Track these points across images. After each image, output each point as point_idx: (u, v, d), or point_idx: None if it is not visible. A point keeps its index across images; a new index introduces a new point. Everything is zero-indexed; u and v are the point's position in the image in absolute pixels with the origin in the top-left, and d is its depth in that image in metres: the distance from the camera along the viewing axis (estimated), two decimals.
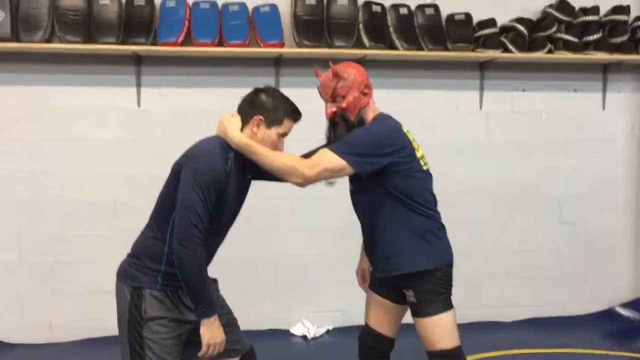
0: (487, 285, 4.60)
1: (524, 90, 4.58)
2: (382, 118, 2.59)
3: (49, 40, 3.97)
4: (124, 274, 2.40)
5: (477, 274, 4.52)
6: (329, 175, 2.45)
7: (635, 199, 4.77)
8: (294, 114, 2.43)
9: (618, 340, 4.45)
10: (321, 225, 4.43)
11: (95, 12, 4.01)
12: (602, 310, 4.78)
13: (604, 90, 4.67)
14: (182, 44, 4.04)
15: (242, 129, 2.40)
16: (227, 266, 4.21)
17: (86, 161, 4.18)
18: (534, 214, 4.67)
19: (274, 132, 2.39)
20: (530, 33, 4.35)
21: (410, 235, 2.50)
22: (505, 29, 4.35)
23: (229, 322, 2.46)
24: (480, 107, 4.54)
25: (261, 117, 2.37)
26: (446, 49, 4.26)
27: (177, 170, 2.33)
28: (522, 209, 4.64)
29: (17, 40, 3.91)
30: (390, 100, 4.39)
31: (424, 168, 2.57)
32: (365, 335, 2.75)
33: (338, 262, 4.44)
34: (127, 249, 4.19)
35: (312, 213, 4.40)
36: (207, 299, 2.27)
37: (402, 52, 4.20)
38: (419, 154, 2.56)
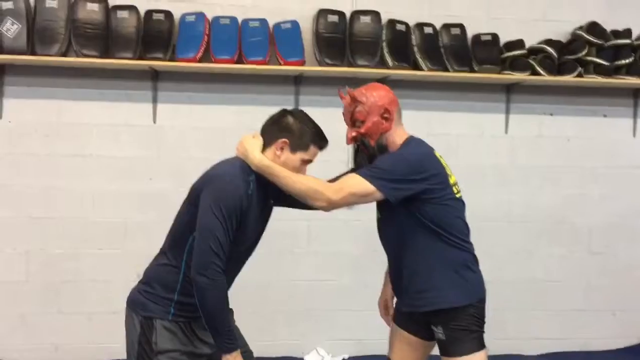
0: (511, 316, 4.40)
1: (551, 115, 4.43)
2: (414, 142, 2.45)
3: (65, 54, 3.88)
4: (134, 302, 2.26)
5: (501, 304, 4.29)
6: (355, 201, 2.30)
7: None
8: (321, 141, 2.31)
9: None
10: (338, 250, 4.28)
11: (113, 26, 3.92)
12: (630, 345, 4.56)
13: (635, 116, 4.50)
14: (201, 59, 3.93)
15: (263, 151, 2.27)
16: (238, 289, 4.10)
17: (99, 178, 4.07)
18: (561, 243, 4.48)
19: (298, 157, 2.27)
20: (559, 55, 4.20)
21: (442, 269, 2.34)
22: (533, 51, 4.21)
23: (246, 357, 2.31)
24: (506, 131, 4.38)
25: (286, 140, 2.25)
26: (472, 70, 4.12)
27: (195, 194, 2.20)
28: (548, 238, 4.46)
29: (33, 53, 3.83)
30: (414, 122, 4.24)
31: (457, 196, 2.42)
32: None
33: (355, 288, 4.30)
34: (138, 270, 4.15)
35: (329, 236, 4.25)
36: (228, 331, 2.13)
37: (426, 73, 4.07)
38: (452, 181, 2.41)
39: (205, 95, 4.12)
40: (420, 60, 4.07)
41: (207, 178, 2.22)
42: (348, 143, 2.48)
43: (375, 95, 2.42)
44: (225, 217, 2.09)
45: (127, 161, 4.10)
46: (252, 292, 4.07)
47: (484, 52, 4.16)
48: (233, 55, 3.92)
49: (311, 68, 4.00)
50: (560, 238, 4.48)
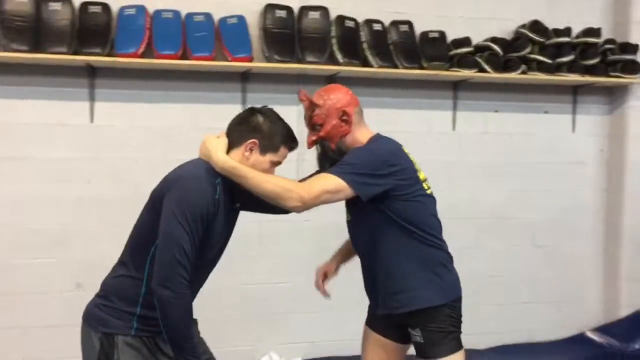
0: None
1: (497, 111, 4.48)
2: (382, 138, 2.39)
3: None
4: (92, 318, 2.08)
5: None
6: (328, 198, 2.20)
7: (604, 224, 4.72)
8: (292, 142, 2.20)
9: None
10: (289, 251, 4.17)
11: (45, 18, 3.65)
12: (572, 335, 4.70)
13: (574, 113, 4.62)
14: (142, 55, 3.72)
15: (228, 152, 2.14)
16: None
17: (33, 182, 3.78)
18: (506, 238, 4.54)
19: (267, 159, 2.15)
20: (504, 53, 4.25)
21: (417, 268, 2.29)
22: (480, 49, 4.23)
23: None
24: (454, 128, 4.40)
25: (255, 140, 2.12)
26: (421, 67, 4.10)
27: (157, 199, 2.04)
28: (493, 233, 4.52)
29: None
30: (365, 119, 4.25)
31: (428, 192, 2.37)
32: None
33: (306, 290, 4.18)
34: (78, 280, 3.90)
35: (280, 238, 4.14)
36: (191, 347, 1.98)
37: (376, 70, 4.01)
38: (421, 177, 2.36)
39: (147, 93, 3.90)
40: (369, 57, 4.01)
41: (169, 182, 2.06)
42: (308, 147, 2.42)
43: (332, 98, 2.35)
44: (191, 224, 1.95)
45: (62, 163, 3.83)
46: (204, 298, 3.88)
47: (432, 49, 4.14)
48: (177, 51, 3.73)
49: (259, 64, 3.86)
50: (505, 233, 4.54)
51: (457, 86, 4.35)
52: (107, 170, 3.87)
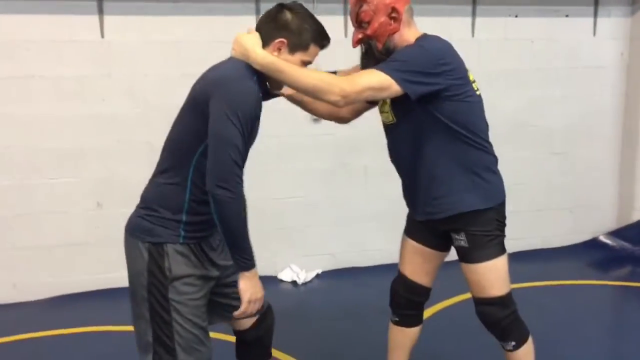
0: None
1: (516, 16, 4.34)
2: (432, 36, 2.24)
3: None
4: (137, 229, 2.02)
5: None
6: (371, 95, 2.10)
7: (622, 129, 4.69)
8: (323, 40, 2.06)
9: (602, 270, 4.48)
10: (307, 167, 4.14)
11: None
12: (585, 240, 4.77)
13: (595, 15, 4.48)
14: None
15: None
16: None
17: (44, 101, 3.70)
18: (525, 145, 4.52)
19: (297, 58, 2.03)
20: None
21: (464, 172, 2.22)
22: None
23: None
24: (473, 35, 4.28)
25: (284, 39, 2.00)
26: None
27: (201, 102, 1.93)
28: (513, 141, 4.47)
29: None
30: None
31: (477, 93, 2.27)
32: (400, 286, 2.48)
33: (325, 203, 4.22)
34: (97, 197, 3.89)
35: (298, 153, 4.10)
36: (248, 247, 1.96)
37: None
38: (471, 77, 2.26)
39: (158, 5, 3.75)
40: None
41: (214, 83, 1.95)
42: (354, 46, 2.28)
43: None
44: (242, 125, 1.88)
45: (74, 81, 3.73)
46: None
47: None
48: None
49: None
50: (524, 141, 4.51)
51: None
52: (121, 88, 3.77)
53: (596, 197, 4.75)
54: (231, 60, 2.04)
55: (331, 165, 4.20)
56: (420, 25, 4.05)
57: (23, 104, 3.67)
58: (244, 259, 1.95)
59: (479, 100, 2.26)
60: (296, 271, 4.17)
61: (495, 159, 2.32)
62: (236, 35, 2.03)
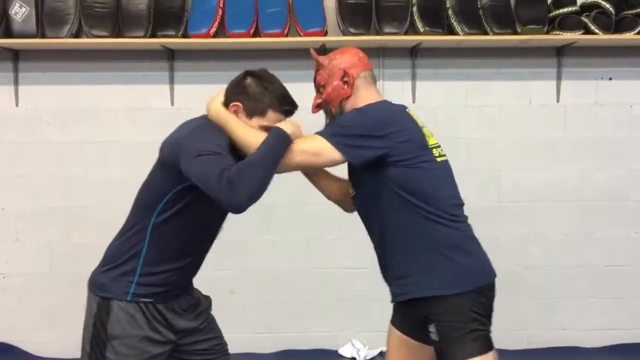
0: (566, 305, 4.00)
1: (610, 79, 3.94)
2: (381, 102, 2.15)
3: (76, 36, 3.73)
4: (93, 283, 2.09)
5: (552, 292, 3.97)
6: (304, 160, 2.01)
7: None
8: (281, 106, 2.04)
9: None
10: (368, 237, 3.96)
11: (124, 4, 3.73)
12: None
13: None
14: (215, 35, 3.68)
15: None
16: (263, 276, 3.91)
17: (118, 165, 3.91)
18: (624, 223, 4.00)
19: (254, 123, 2.03)
20: (617, 11, 3.72)
21: (426, 250, 1.99)
22: (586, 7, 3.74)
23: (219, 350, 2.16)
24: (558, 100, 3.93)
25: (239, 104, 2.03)
26: (515, 33, 3.69)
27: (169, 161, 1.99)
28: (608, 218, 3.99)
29: (43, 36, 3.70)
30: (450, 93, 3.92)
31: (439, 160, 2.05)
32: None
33: None
34: None
35: (360, 223, 3.93)
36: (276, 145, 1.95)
37: (462, 38, 3.66)
38: (430, 142, 2.06)
39: (223, 74, 3.80)
40: (455, 24, 3.67)
41: (178, 142, 1.99)
42: (313, 111, 2.22)
43: (338, 58, 2.16)
44: (213, 148, 1.90)
45: (146, 146, 3.88)
46: (281, 280, 3.88)
47: (529, 11, 3.71)
48: (248, 29, 3.65)
49: (334, 38, 3.67)
50: (622, 217, 4.00)
51: (560, 52, 3.87)
52: None
53: None
54: (194, 118, 2.14)
55: None
56: (495, 90, 3.87)
57: (99, 167, 3.91)
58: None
59: (439, 167, 2.05)
60: (358, 347, 3.94)
61: (468, 237, 2.04)
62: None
